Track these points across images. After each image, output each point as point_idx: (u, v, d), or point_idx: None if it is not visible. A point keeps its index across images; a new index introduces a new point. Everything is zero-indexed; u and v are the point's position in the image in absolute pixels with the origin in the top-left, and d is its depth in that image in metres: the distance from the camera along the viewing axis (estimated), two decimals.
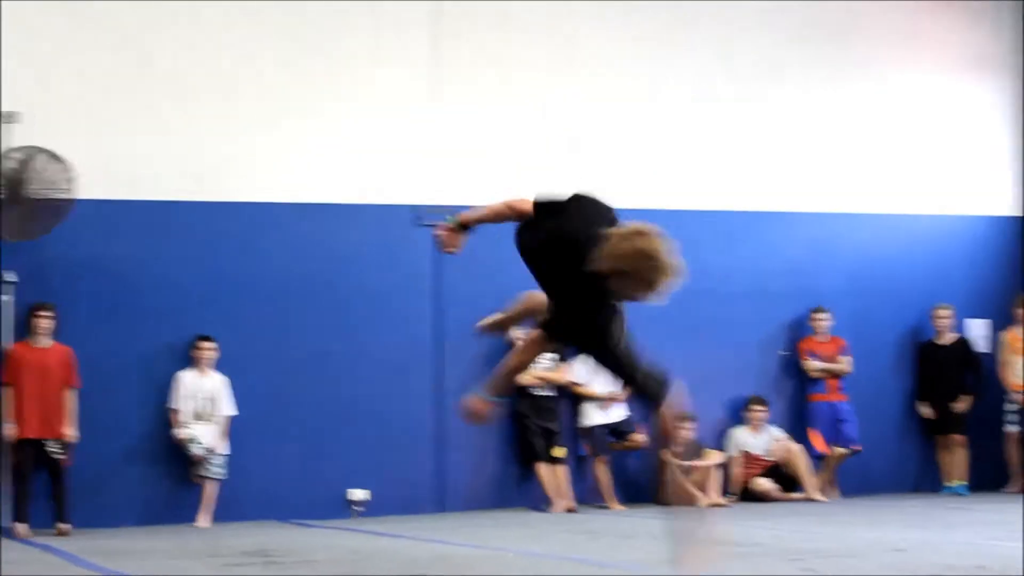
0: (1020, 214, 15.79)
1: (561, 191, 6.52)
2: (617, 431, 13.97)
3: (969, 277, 15.44)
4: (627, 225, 6.10)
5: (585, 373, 13.74)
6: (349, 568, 8.45)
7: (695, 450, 13.94)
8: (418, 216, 13.62)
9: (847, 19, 15.26)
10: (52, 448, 12.27)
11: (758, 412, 14.34)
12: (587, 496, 13.92)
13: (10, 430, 12.21)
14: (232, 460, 12.96)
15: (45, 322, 12.42)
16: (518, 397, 13.71)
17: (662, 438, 6.70)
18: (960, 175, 15.61)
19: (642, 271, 5.98)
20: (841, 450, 14.52)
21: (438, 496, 13.71)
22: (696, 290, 14.36)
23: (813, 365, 14.69)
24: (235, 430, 12.99)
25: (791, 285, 14.80)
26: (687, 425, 14.00)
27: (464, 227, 6.72)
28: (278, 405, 13.30)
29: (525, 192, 6.69)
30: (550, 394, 13.83)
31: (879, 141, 15.28)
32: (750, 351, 14.36)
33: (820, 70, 15.19)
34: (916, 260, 15.25)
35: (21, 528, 11.98)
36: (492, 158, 13.98)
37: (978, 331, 15.42)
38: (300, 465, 13.28)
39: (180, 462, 12.92)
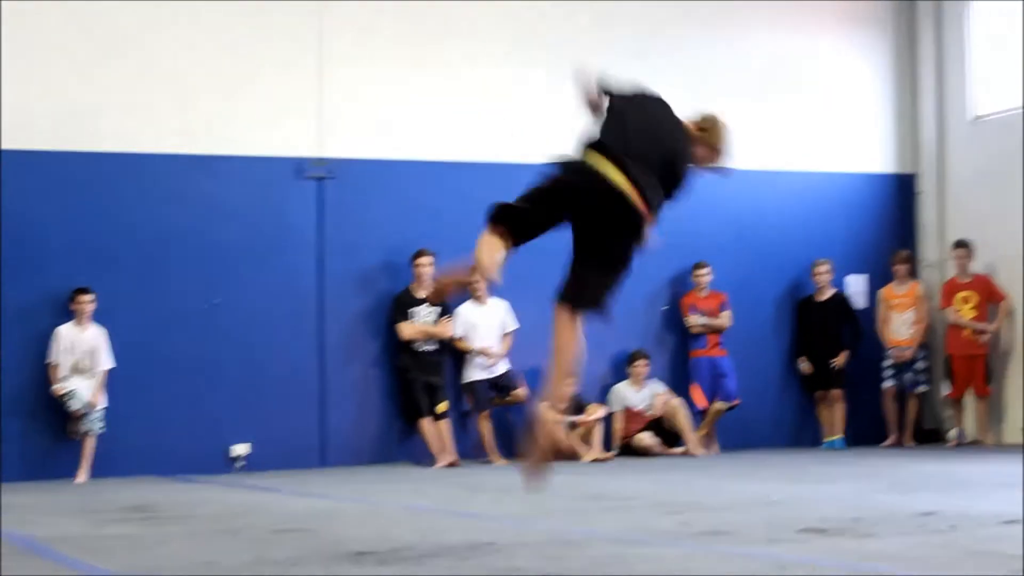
0: (897, 171, 16.02)
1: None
2: (499, 386, 14.01)
3: (848, 234, 15.65)
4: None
5: (465, 327, 13.79)
6: (227, 523, 8.41)
7: (578, 405, 14.04)
8: (301, 169, 13.55)
9: None
10: None
11: (640, 367, 14.44)
12: (470, 451, 13.95)
13: None
14: (111, 414, 12.84)
15: None
16: (401, 352, 13.72)
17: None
18: (839, 133, 15.81)
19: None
20: (721, 405, 14.68)
21: (320, 451, 13.68)
22: None
23: (694, 320, 14.82)
24: (114, 384, 12.88)
25: (673, 241, 14.79)
26: (570, 380, 14.08)
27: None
28: (158, 359, 13.19)
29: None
30: (433, 349, 13.83)
31: (759, 99, 15.38)
32: (633, 306, 14.43)
33: (700, 28, 15.28)
34: (796, 216, 15.42)
35: None
36: (372, 112, 13.95)
37: (856, 287, 15.64)
38: (181, 420, 13.19)
39: (59, 417, 12.78)
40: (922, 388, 15.33)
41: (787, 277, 15.45)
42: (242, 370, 13.45)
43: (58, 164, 12.99)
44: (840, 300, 15.33)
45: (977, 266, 15.11)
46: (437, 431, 13.67)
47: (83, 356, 12.77)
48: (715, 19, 15.31)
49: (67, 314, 12.81)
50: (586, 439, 13.94)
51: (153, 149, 13.29)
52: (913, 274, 15.57)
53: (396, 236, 13.96)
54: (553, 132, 14.40)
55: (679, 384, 14.76)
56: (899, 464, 12.52)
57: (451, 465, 13.42)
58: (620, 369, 14.59)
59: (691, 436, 14.40)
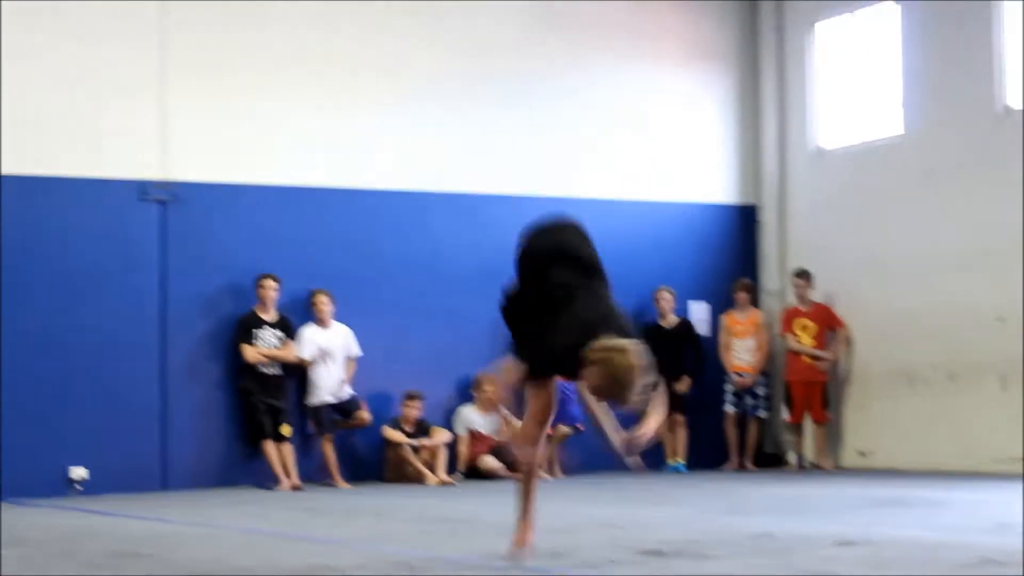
0: (739, 202, 16.28)
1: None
2: (343, 409, 13.96)
3: (691, 262, 15.85)
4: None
5: (311, 351, 13.74)
6: (60, 546, 8.28)
7: (423, 428, 14.04)
8: (144, 191, 13.42)
9: (578, 9, 15.49)
10: None
11: (486, 392, 14.46)
12: (313, 474, 13.88)
13: None
14: None
15: None
16: (244, 374, 13.62)
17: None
18: (683, 164, 16.02)
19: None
20: (564, 429, 14.74)
21: (161, 474, 13.50)
22: (427, 270, 14.59)
23: None
24: None
25: None
26: (415, 404, 14.09)
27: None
28: None
29: None
30: (277, 372, 13.75)
31: (606, 129, 15.57)
32: (479, 330, 14.44)
33: (550, 59, 15.39)
34: (641, 245, 15.54)
35: None
36: (216, 136, 13.87)
37: (699, 314, 15.84)
38: (18, 442, 12.91)
39: None
40: (762, 413, 15.57)
41: (631, 304, 15.56)
42: (83, 392, 13.23)
43: None
44: (685, 326, 15.50)
45: (816, 295, 15.39)
46: (280, 454, 13.58)
47: None
48: (560, 53, 15.44)
49: None
50: (430, 462, 13.94)
51: None
52: (754, 302, 15.82)
53: (241, 259, 13.86)
54: (389, 156, 14.56)
55: (523, 408, 14.76)
56: (739, 487, 12.70)
57: (295, 488, 13.34)
58: (464, 392, 14.62)
59: None
